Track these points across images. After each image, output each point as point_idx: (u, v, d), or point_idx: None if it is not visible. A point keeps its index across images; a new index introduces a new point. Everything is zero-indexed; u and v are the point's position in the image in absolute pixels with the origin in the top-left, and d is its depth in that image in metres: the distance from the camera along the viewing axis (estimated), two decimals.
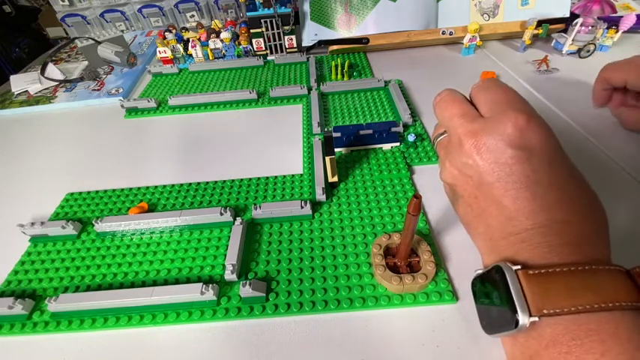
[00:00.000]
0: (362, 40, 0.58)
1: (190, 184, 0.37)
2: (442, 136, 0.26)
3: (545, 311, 0.17)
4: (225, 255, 0.29)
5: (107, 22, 0.81)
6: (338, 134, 0.39)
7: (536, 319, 0.17)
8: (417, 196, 0.20)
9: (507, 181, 0.20)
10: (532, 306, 0.17)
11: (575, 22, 0.50)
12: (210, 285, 0.26)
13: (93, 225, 0.32)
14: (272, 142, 0.43)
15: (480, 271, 0.22)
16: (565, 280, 0.17)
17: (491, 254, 0.22)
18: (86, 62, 0.65)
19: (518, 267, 0.19)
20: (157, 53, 0.62)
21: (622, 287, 0.17)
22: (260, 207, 0.32)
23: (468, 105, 0.24)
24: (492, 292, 0.20)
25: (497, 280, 0.19)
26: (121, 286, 0.29)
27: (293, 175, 0.37)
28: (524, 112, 0.21)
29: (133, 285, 0.28)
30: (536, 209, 0.19)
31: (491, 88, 0.24)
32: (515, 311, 0.17)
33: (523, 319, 0.17)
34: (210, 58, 0.63)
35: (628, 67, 0.35)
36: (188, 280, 0.28)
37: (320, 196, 0.33)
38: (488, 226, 0.22)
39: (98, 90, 0.57)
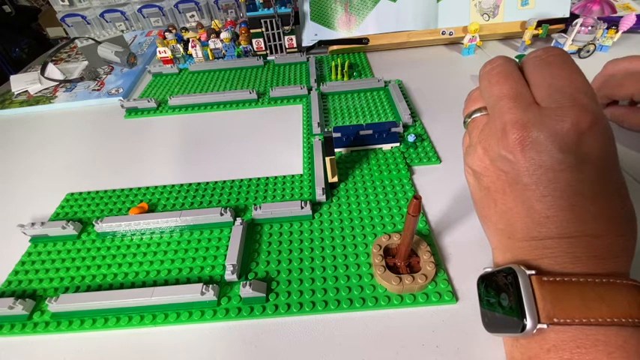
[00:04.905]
0: (362, 40, 0.58)
1: (190, 184, 0.37)
2: (479, 114, 0.22)
3: (555, 320, 0.17)
4: (226, 255, 0.29)
5: (107, 22, 0.81)
6: (338, 134, 0.39)
7: (545, 326, 0.17)
8: (416, 197, 0.20)
9: (546, 187, 0.18)
10: (542, 313, 0.17)
11: (575, 22, 0.50)
12: (211, 285, 0.26)
13: (93, 225, 0.32)
14: (272, 143, 0.43)
15: (489, 270, 0.21)
16: (580, 290, 0.17)
17: (506, 253, 0.21)
18: (86, 62, 0.65)
19: (533, 272, 0.18)
20: (157, 53, 0.62)
21: (636, 303, 0.17)
22: (260, 207, 0.32)
23: (522, 84, 0.20)
24: (500, 294, 0.19)
25: (508, 283, 0.18)
26: (122, 286, 0.29)
27: (293, 176, 0.37)
28: (589, 112, 0.18)
29: (133, 285, 0.29)
30: (569, 220, 0.18)
31: (554, 66, 0.20)
32: (524, 316, 0.17)
33: (531, 325, 0.17)
34: (210, 58, 0.63)
35: (632, 80, 0.33)
36: (188, 281, 0.28)
37: (320, 196, 0.33)
38: (510, 224, 0.20)
39: (98, 90, 0.57)
